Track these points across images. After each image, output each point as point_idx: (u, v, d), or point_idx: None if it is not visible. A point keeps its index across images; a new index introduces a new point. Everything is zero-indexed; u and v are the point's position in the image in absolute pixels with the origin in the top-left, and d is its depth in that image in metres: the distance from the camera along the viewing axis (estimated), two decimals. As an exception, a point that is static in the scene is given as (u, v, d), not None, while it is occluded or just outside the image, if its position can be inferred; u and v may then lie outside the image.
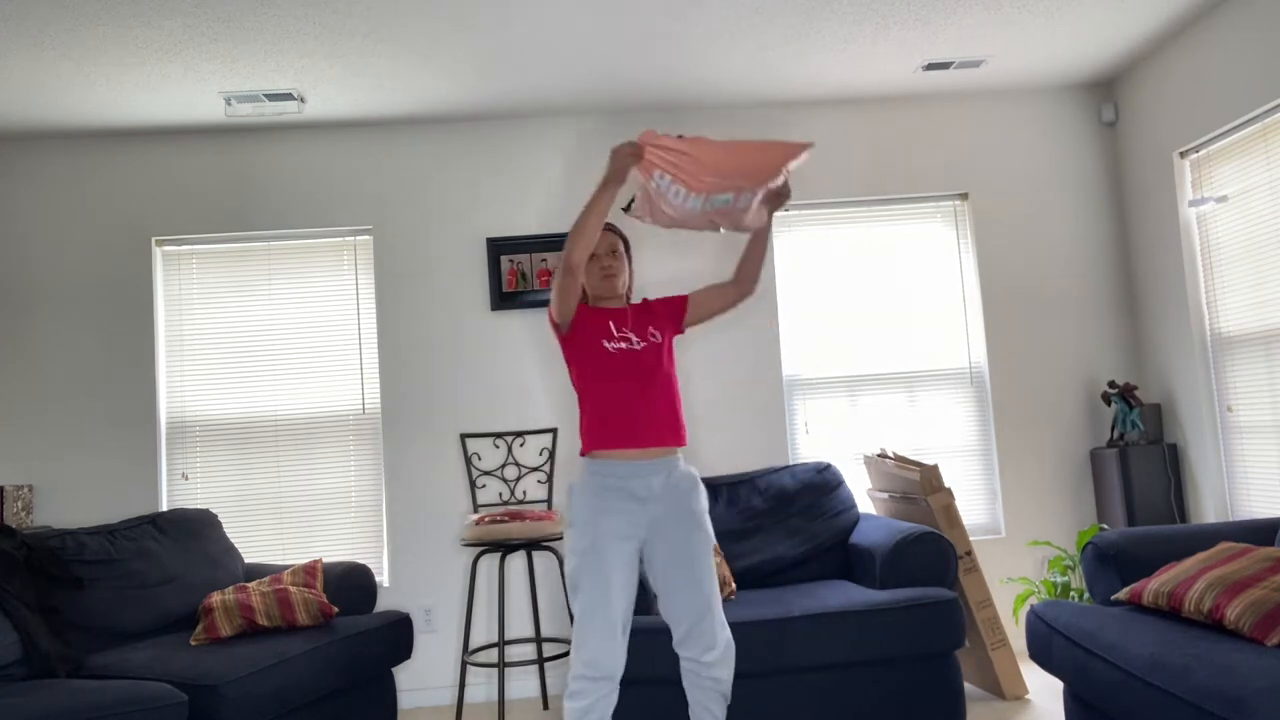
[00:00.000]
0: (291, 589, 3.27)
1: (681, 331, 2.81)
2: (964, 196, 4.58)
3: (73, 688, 2.57)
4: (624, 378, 2.61)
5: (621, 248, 2.74)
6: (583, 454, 2.63)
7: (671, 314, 2.79)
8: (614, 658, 2.49)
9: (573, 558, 2.54)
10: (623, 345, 2.65)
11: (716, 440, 4.40)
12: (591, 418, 2.62)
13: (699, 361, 4.43)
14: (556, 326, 2.68)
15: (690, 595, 2.57)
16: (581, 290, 2.66)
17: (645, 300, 2.81)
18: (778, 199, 2.62)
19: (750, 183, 2.48)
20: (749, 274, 2.76)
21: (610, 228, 2.73)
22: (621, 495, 2.56)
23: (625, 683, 3.00)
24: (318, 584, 3.40)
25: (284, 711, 2.90)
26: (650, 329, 2.70)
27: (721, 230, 2.63)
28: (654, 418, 2.60)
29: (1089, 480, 4.46)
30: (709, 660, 2.56)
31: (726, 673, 2.58)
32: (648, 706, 3.01)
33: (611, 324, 2.67)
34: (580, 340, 2.67)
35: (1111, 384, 4.26)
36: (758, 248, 2.75)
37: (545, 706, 4.00)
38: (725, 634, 2.59)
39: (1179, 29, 4.00)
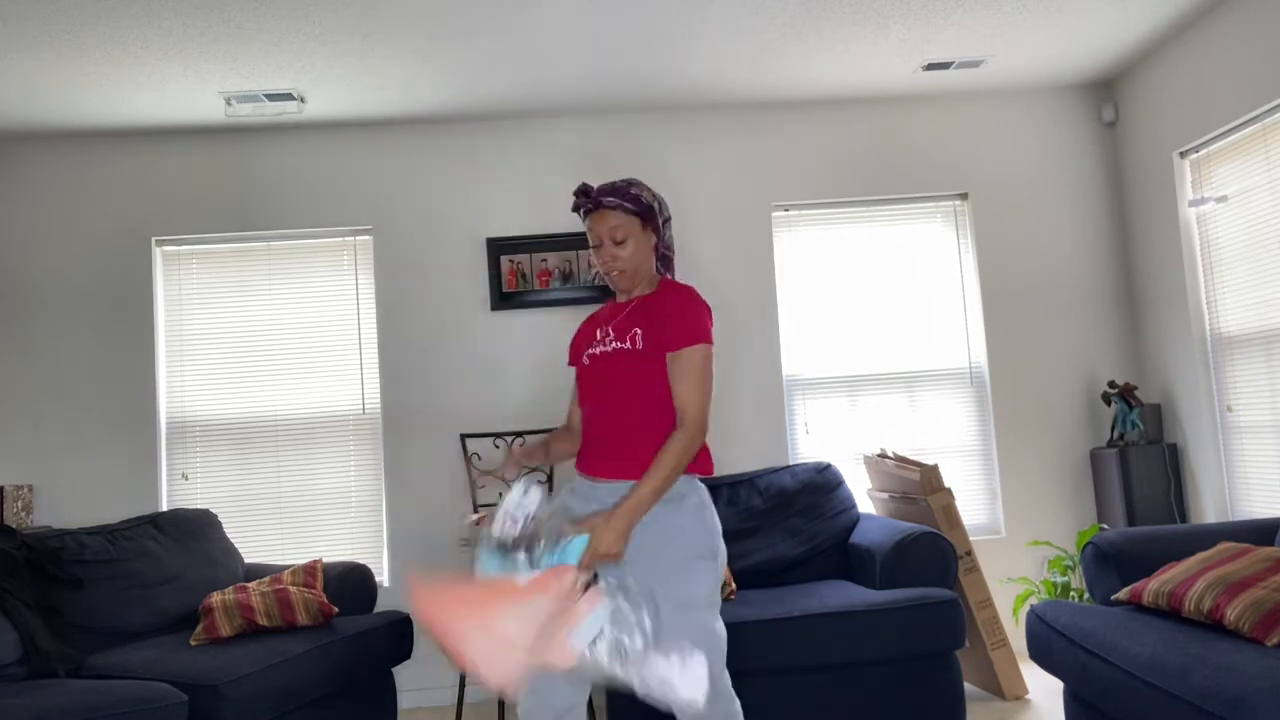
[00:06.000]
0: (291, 589, 3.27)
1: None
2: (964, 196, 4.58)
3: (73, 688, 2.57)
4: (587, 394, 2.24)
5: (626, 224, 2.18)
6: None
7: (660, 337, 2.16)
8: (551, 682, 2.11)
9: None
10: (597, 351, 2.24)
11: (716, 440, 4.40)
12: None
13: (699, 361, 4.42)
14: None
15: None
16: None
17: (663, 295, 2.20)
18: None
19: None
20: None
21: (614, 201, 2.17)
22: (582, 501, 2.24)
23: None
24: (318, 584, 3.40)
25: (284, 711, 2.90)
26: (635, 330, 2.18)
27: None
28: (606, 439, 2.19)
29: (1089, 480, 4.46)
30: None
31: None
32: (650, 706, 3.01)
33: (599, 326, 2.29)
34: (575, 360, 2.34)
35: (1111, 384, 4.26)
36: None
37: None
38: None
39: (1179, 29, 4.00)
